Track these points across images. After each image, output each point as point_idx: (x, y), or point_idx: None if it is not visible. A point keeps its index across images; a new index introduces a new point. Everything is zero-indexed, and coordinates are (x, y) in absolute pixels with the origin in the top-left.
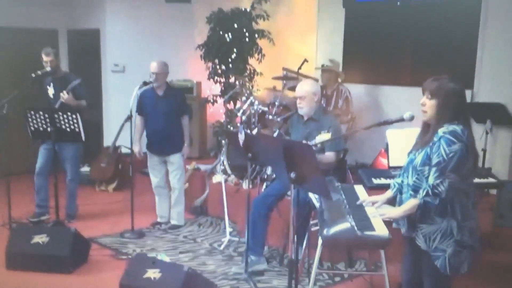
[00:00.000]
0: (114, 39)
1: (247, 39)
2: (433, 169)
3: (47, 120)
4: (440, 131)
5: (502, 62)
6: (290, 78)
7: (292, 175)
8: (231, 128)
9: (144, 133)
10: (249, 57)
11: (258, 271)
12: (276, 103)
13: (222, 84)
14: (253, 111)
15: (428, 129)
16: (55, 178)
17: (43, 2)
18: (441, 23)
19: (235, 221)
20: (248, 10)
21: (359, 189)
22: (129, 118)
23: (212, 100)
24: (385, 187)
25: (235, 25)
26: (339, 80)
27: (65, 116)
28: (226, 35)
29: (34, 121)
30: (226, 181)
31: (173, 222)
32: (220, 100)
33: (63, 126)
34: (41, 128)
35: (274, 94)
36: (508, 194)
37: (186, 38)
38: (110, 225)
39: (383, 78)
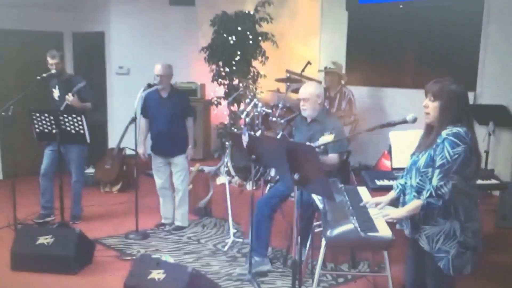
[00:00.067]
0: (118, 41)
1: (250, 42)
2: (437, 171)
3: (52, 122)
4: (444, 133)
5: (504, 64)
6: (294, 80)
7: (296, 176)
8: (235, 130)
9: (149, 135)
10: (252, 60)
11: (262, 272)
12: (280, 105)
13: (226, 86)
14: (256, 113)
15: (431, 131)
16: (60, 179)
17: (48, 5)
18: (444, 25)
19: (239, 222)
20: (251, 13)
21: (362, 191)
22: (134, 120)
23: (216, 102)
24: (388, 188)
25: (239, 28)
26: (342, 82)
27: (70, 118)
28: (230, 37)
29: (40, 123)
30: (230, 182)
31: (177, 223)
32: (224, 102)
33: (68, 128)
34: (46, 130)
35: (277, 96)
36: (510, 195)
37: (190, 41)
38: (115, 226)
39: (386, 80)
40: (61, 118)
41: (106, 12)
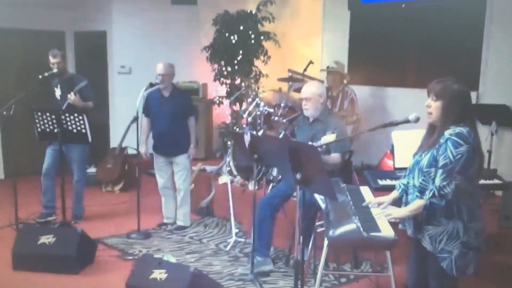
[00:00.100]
0: (120, 41)
1: (252, 41)
2: (440, 171)
3: (54, 121)
4: (447, 133)
5: (507, 63)
6: (296, 79)
7: (298, 176)
8: (237, 129)
9: (150, 134)
10: (254, 59)
11: (264, 272)
12: (282, 105)
13: (228, 85)
14: (258, 113)
15: (433, 131)
16: (61, 179)
17: (50, 4)
18: (446, 25)
19: (241, 222)
20: (254, 12)
21: (365, 190)
22: (136, 119)
23: (218, 102)
24: (391, 188)
25: (241, 27)
26: (345, 81)
27: (71, 117)
28: (232, 37)
29: (41, 122)
30: (232, 182)
31: (179, 223)
32: (226, 102)
33: (70, 127)
34: (48, 129)
35: (279, 96)
36: None
37: (192, 40)
38: (116, 225)
39: (388, 80)
40: (62, 117)
41: (108, 12)
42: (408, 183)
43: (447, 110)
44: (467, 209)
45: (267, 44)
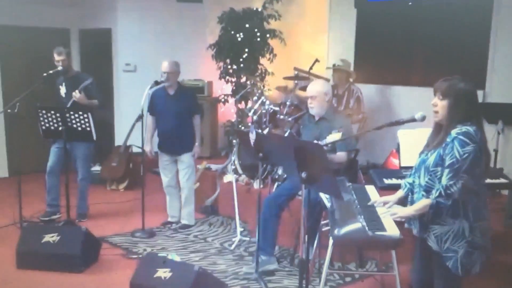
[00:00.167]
0: (125, 38)
1: (258, 39)
2: (447, 170)
3: (59, 119)
4: (453, 132)
5: None
6: (301, 78)
7: (303, 175)
8: (242, 127)
9: (155, 133)
10: (260, 57)
11: (269, 271)
12: (287, 103)
13: (234, 83)
14: (264, 111)
15: (440, 130)
16: (66, 177)
17: (55, 1)
18: (453, 23)
19: (245, 220)
20: (259, 10)
21: (370, 190)
22: (141, 117)
23: (223, 100)
24: (397, 187)
25: (247, 25)
26: (351, 80)
27: (76, 115)
28: (237, 35)
29: (46, 120)
30: (237, 180)
31: (183, 221)
32: (232, 100)
33: (75, 125)
34: (52, 127)
35: (285, 94)
36: None
37: (198, 38)
38: (121, 224)
39: (395, 78)
40: (67, 115)
41: (113, 9)
42: (414, 182)
43: (453, 109)
44: (473, 208)
45: (272, 42)
